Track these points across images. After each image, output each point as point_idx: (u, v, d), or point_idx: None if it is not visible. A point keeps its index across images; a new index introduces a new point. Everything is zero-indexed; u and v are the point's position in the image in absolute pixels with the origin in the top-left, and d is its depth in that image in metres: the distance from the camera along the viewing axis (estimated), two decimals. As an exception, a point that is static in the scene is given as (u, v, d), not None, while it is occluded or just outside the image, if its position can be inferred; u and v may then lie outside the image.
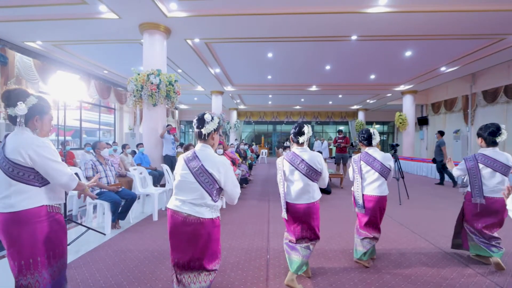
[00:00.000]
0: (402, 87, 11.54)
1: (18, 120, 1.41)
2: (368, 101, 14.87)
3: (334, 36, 6.42)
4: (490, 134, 2.42)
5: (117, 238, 3.03)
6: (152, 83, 5.54)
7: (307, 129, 2.12)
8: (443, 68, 8.85)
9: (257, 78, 10.59)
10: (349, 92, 12.68)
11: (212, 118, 1.67)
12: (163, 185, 6.28)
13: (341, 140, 8.30)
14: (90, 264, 2.42)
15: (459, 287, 2.11)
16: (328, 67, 9.06)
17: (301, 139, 2.10)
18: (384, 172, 2.37)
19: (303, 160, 2.05)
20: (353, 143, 16.87)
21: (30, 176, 1.39)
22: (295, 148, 2.15)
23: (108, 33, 6.23)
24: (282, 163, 2.13)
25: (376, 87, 11.63)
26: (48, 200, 1.45)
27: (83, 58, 8.17)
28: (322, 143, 12.71)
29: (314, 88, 11.81)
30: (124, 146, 5.41)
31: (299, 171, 2.05)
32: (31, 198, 1.39)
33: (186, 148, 3.91)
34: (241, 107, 17.15)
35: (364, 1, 4.91)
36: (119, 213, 3.22)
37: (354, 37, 6.47)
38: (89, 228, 3.02)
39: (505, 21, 5.47)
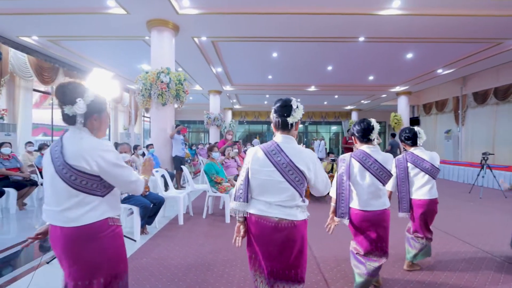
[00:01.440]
0: (397, 88, 11.85)
1: (78, 120, 1.21)
2: (362, 101, 15.17)
3: (341, 37, 6.47)
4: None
5: (149, 244, 2.90)
6: (162, 82, 5.36)
7: (376, 124, 1.94)
8: (439, 71, 9.16)
9: (258, 78, 10.53)
10: (346, 92, 12.87)
11: (297, 105, 1.46)
12: (183, 187, 6.15)
13: (351, 141, 8.26)
14: (134, 272, 2.28)
15: None
16: (329, 68, 9.14)
17: (372, 136, 1.91)
18: (434, 173, 2.33)
19: (376, 160, 1.86)
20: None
21: (94, 185, 1.20)
22: (365, 147, 1.93)
23: (112, 29, 5.98)
24: (349, 162, 1.93)
25: (373, 88, 11.88)
26: (110, 212, 1.27)
27: (79, 54, 7.81)
28: (320, 142, 12.84)
29: (312, 88, 11.90)
30: (135, 147, 5.19)
31: (370, 172, 1.87)
32: (95, 210, 1.21)
33: (210, 149, 3.79)
34: (236, 107, 17.03)
35: (377, 3, 4.97)
36: (147, 217, 3.08)
37: (361, 39, 6.55)
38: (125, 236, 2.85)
39: (503, 26, 5.71)
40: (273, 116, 1.50)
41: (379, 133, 11.25)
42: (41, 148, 5.21)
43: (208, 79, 10.09)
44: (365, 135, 1.94)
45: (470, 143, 11.30)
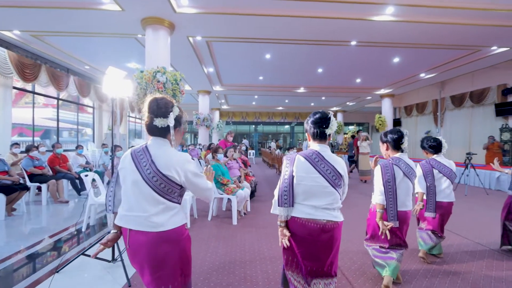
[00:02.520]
0: (382, 91, 12.33)
1: (172, 132, 1.32)
2: (348, 103, 15.64)
3: (335, 40, 6.64)
4: None
5: None
6: (158, 81, 5.23)
7: (406, 132, 2.16)
8: (422, 75, 9.65)
9: (248, 79, 10.55)
10: (333, 94, 13.20)
11: (332, 118, 1.60)
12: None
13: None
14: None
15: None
16: (320, 70, 9.35)
17: (404, 145, 2.15)
18: (453, 178, 2.57)
19: (409, 165, 2.12)
20: (332, 143, 17.60)
21: (175, 193, 1.29)
22: (398, 155, 2.17)
23: (103, 25, 5.74)
24: (392, 169, 2.10)
25: (359, 90, 12.28)
26: (185, 218, 1.38)
27: (63, 51, 7.42)
28: (307, 143, 13.06)
29: (301, 90, 12.10)
30: (114, 148, 5.01)
31: (407, 177, 2.10)
32: (176, 215, 1.30)
33: (215, 151, 3.75)
34: (224, 107, 16.93)
35: (372, 9, 5.15)
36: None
37: (353, 43, 6.76)
38: None
39: (481, 35, 6.13)
40: (310, 127, 1.62)
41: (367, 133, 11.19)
42: (29, 150, 4.87)
43: (199, 79, 9.96)
44: (398, 143, 2.16)
45: (448, 143, 11.76)
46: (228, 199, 3.96)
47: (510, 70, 8.89)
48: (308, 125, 1.63)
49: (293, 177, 1.54)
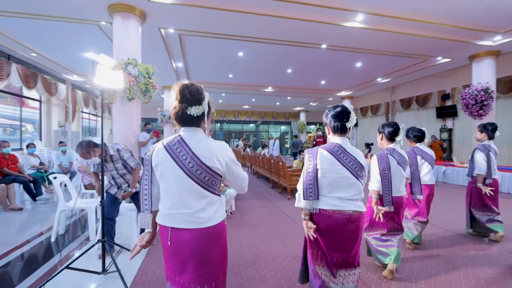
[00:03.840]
0: (343, 93, 13.20)
1: (206, 120, 1.28)
2: (311, 103, 16.38)
3: (307, 42, 6.90)
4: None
5: (156, 256, 2.59)
6: (130, 74, 4.82)
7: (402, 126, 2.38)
8: (379, 79, 10.60)
9: (218, 76, 10.36)
10: (299, 94, 13.70)
11: (352, 112, 1.64)
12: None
13: (320, 139, 8.62)
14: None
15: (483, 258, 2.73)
16: (289, 71, 9.62)
17: (398, 138, 2.36)
18: (433, 163, 2.88)
19: (402, 155, 2.34)
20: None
21: (217, 184, 1.25)
22: (392, 145, 2.37)
23: (60, 7, 5.08)
24: (387, 159, 2.28)
25: (323, 91, 12.95)
26: (224, 211, 1.34)
27: (5, 34, 6.36)
28: (275, 142, 13.36)
29: (269, 89, 12.30)
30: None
31: (400, 166, 2.30)
32: (219, 209, 1.26)
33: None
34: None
35: (343, 15, 5.47)
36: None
37: (324, 46, 7.10)
38: (122, 247, 2.47)
39: (431, 46, 6.97)
40: (330, 121, 1.65)
41: (324, 133, 11.81)
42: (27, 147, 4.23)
43: (166, 74, 9.44)
44: (393, 136, 2.34)
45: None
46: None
47: (448, 78, 10.26)
48: (328, 119, 1.66)
49: (317, 170, 1.57)
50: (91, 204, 3.04)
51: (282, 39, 6.66)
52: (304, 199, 1.58)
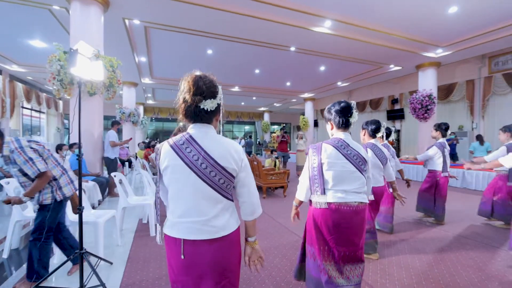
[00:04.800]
0: (306, 95, 13.79)
1: (213, 115, 1.14)
2: (275, 104, 16.75)
3: (276, 44, 7.04)
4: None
5: (141, 267, 2.38)
6: (91, 67, 4.37)
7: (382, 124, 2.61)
8: (339, 83, 11.32)
9: (183, 73, 9.72)
10: (264, 95, 13.91)
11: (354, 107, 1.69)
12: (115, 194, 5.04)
13: (284, 139, 8.76)
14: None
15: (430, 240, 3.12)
16: (257, 71, 9.72)
17: (379, 134, 2.62)
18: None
19: (381, 150, 2.60)
20: (260, 142, 18.53)
21: (231, 188, 1.14)
22: (373, 141, 2.64)
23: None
24: (381, 150, 2.59)
25: (287, 92, 13.35)
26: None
27: None
28: (241, 141, 13.36)
29: (236, 89, 12.25)
30: (59, 147, 3.98)
31: (379, 159, 2.59)
32: (233, 215, 1.16)
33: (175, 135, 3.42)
34: (150, 102, 15.37)
35: (313, 20, 5.73)
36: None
37: (292, 48, 7.33)
38: (101, 258, 2.20)
39: (386, 54, 7.70)
40: (334, 116, 1.67)
41: (287, 132, 12.07)
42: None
43: (127, 69, 8.75)
44: (375, 132, 2.59)
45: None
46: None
47: (397, 84, 11.44)
48: (331, 114, 1.68)
49: (321, 164, 1.61)
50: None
51: (253, 39, 6.70)
52: (311, 193, 1.64)
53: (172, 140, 1.12)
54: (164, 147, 1.11)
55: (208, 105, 1.08)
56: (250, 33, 6.31)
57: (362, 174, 1.62)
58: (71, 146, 4.22)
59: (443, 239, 3.14)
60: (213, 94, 1.10)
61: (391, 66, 8.86)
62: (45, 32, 6.25)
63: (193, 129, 1.12)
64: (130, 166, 8.31)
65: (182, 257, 1.06)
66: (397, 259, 2.59)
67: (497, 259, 2.60)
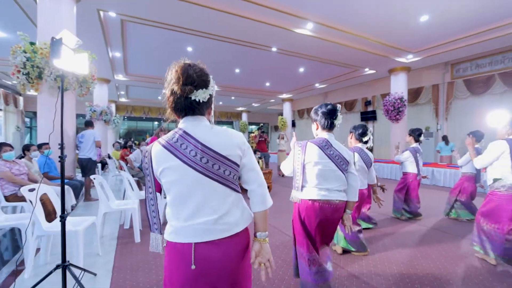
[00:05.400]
0: (284, 95, 13.96)
1: (205, 106, 1.04)
2: (253, 104, 16.75)
3: (258, 43, 7.03)
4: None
5: (130, 275, 2.20)
6: (62, 60, 4.03)
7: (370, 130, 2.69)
8: (317, 85, 11.61)
9: (161, 70, 9.48)
10: (243, 95, 13.85)
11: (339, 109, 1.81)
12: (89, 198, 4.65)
13: (262, 139, 8.76)
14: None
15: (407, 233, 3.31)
16: (238, 70, 9.64)
17: (365, 138, 2.68)
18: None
19: (367, 154, 2.70)
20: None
21: (236, 178, 1.05)
22: (360, 145, 2.72)
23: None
24: (367, 153, 2.71)
25: (266, 93, 13.42)
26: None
27: None
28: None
29: (215, 88, 12.02)
30: (27, 148, 3.59)
31: (364, 163, 2.68)
32: (244, 209, 1.07)
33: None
34: (123, 100, 14.56)
35: (296, 21, 5.80)
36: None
37: (274, 49, 7.38)
38: (84, 270, 1.99)
39: (362, 58, 8.03)
40: (320, 117, 1.78)
41: (264, 132, 12.18)
42: None
43: (100, 64, 8.19)
44: (361, 136, 2.72)
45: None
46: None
47: (370, 87, 12.00)
48: (318, 115, 1.78)
49: (304, 164, 1.72)
50: (24, 221, 2.40)
51: (235, 38, 6.62)
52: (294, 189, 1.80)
53: (163, 139, 1.01)
54: (155, 149, 1.00)
55: (200, 95, 0.99)
56: (232, 32, 6.23)
57: (343, 173, 1.73)
58: (40, 147, 3.83)
59: (421, 233, 3.36)
60: (205, 84, 1.01)
61: (366, 69, 9.27)
62: (7, 21, 5.65)
63: (184, 123, 1.02)
64: (103, 168, 7.80)
65: (193, 267, 0.94)
66: (385, 254, 2.70)
67: (464, 248, 2.87)
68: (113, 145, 9.21)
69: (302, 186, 1.73)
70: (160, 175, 0.99)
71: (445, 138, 7.84)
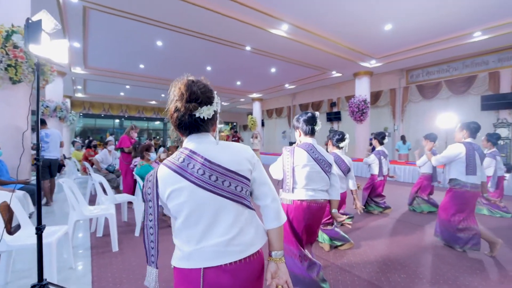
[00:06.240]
0: (254, 95, 14.02)
1: (210, 122, 1.00)
2: (223, 103, 16.51)
3: (232, 41, 6.95)
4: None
5: None
6: (16, 47, 3.56)
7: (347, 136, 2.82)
8: (287, 85, 11.88)
9: (125, 65, 8.94)
10: (212, 93, 13.56)
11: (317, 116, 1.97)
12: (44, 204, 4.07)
13: (235, 139, 8.70)
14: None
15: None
16: (209, 68, 9.42)
17: (342, 144, 2.82)
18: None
19: (343, 160, 2.87)
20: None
21: (249, 192, 1.01)
22: (337, 151, 2.89)
23: None
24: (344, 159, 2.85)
25: (236, 92, 13.34)
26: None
27: None
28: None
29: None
30: None
31: (340, 169, 2.84)
32: (259, 226, 1.02)
33: (147, 149, 3.10)
34: (79, 95, 13.22)
35: (271, 21, 5.86)
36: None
37: (248, 48, 7.36)
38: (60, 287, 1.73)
39: (332, 61, 8.44)
40: (302, 125, 1.94)
41: (237, 131, 12.24)
42: None
43: (53, 54, 7.34)
44: (338, 142, 2.89)
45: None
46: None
47: (335, 89, 12.65)
48: (300, 123, 1.95)
49: (294, 167, 1.84)
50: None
51: (209, 34, 6.45)
52: (284, 192, 1.89)
53: (168, 161, 0.96)
54: (162, 172, 0.94)
55: (205, 112, 0.95)
56: (207, 28, 6.06)
57: (327, 174, 1.89)
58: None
59: (391, 225, 3.66)
60: (209, 100, 0.97)
61: (334, 72, 9.74)
62: None
63: (190, 141, 0.98)
64: (59, 170, 7.02)
65: None
66: (367, 246, 2.90)
67: (428, 236, 3.22)
68: (73, 144, 8.34)
69: (293, 188, 1.84)
70: (168, 199, 0.93)
71: (403, 138, 8.60)
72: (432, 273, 2.31)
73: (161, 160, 3.96)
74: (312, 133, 1.92)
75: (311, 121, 1.91)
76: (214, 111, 0.98)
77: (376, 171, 4.26)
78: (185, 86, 0.94)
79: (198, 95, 0.94)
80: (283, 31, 6.27)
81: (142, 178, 2.98)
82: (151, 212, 0.94)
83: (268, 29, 6.13)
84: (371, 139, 10.00)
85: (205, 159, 0.93)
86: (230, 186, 0.93)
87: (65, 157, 6.83)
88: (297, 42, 6.78)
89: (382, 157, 4.24)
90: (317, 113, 1.97)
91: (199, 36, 6.55)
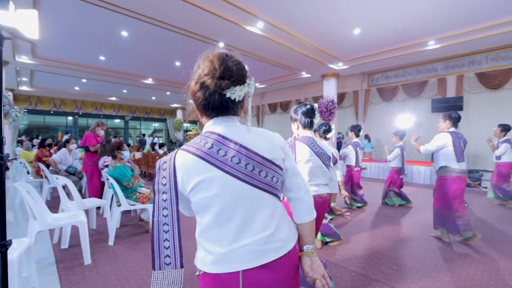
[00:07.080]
0: (224, 93, 13.77)
1: (248, 105, 0.93)
2: (190, 101, 15.91)
3: (204, 36, 6.68)
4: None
5: None
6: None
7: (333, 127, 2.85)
8: (257, 84, 11.88)
9: (82, 56, 8.08)
10: (179, 90, 12.98)
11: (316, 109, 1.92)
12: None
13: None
14: None
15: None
16: (178, 64, 9.00)
17: (329, 135, 2.80)
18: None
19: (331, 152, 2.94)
20: (173, 140, 17.33)
21: (281, 182, 0.91)
22: (325, 142, 2.85)
23: None
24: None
25: (205, 89, 12.95)
26: None
27: None
28: (153, 139, 12.10)
29: (150, 81, 10.92)
30: None
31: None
32: (289, 218, 0.95)
33: (119, 148, 2.82)
34: (24, 88, 11.56)
35: (246, 18, 5.78)
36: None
37: (221, 44, 7.17)
38: None
39: (302, 62, 8.63)
40: (301, 117, 1.87)
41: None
42: None
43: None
44: (325, 134, 2.86)
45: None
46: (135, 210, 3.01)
47: (303, 90, 13.01)
48: (298, 115, 1.87)
49: (296, 161, 1.78)
50: None
51: (180, 27, 6.11)
52: None
53: (190, 146, 0.83)
54: (183, 159, 0.81)
55: (237, 93, 0.83)
56: (178, 19, 5.71)
57: (328, 168, 1.88)
58: None
59: (371, 220, 3.85)
60: (243, 79, 0.87)
61: (303, 73, 10.00)
62: None
63: (217, 125, 0.87)
64: (2, 173, 6.05)
65: None
66: (356, 241, 3.00)
67: (406, 228, 3.45)
68: (21, 143, 7.28)
69: None
70: (192, 192, 0.80)
71: (367, 137, 9.18)
72: (420, 263, 2.46)
73: (135, 160, 3.62)
74: (311, 126, 1.87)
75: (310, 114, 1.85)
76: (245, 92, 0.86)
77: (353, 162, 4.45)
78: (218, 60, 0.83)
79: (233, 72, 0.82)
80: (258, 29, 6.22)
81: (117, 181, 2.66)
82: (166, 206, 0.80)
83: (244, 26, 6.02)
84: (338, 138, 10.53)
85: (241, 146, 0.82)
86: (267, 176, 0.84)
87: (9, 159, 5.90)
88: (271, 41, 6.78)
89: (358, 149, 4.44)
90: (315, 105, 1.91)
91: (170, 28, 6.18)
